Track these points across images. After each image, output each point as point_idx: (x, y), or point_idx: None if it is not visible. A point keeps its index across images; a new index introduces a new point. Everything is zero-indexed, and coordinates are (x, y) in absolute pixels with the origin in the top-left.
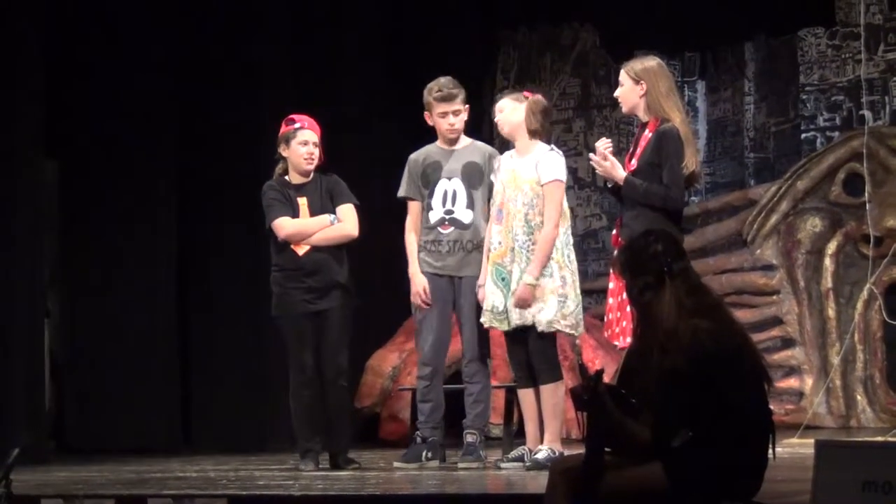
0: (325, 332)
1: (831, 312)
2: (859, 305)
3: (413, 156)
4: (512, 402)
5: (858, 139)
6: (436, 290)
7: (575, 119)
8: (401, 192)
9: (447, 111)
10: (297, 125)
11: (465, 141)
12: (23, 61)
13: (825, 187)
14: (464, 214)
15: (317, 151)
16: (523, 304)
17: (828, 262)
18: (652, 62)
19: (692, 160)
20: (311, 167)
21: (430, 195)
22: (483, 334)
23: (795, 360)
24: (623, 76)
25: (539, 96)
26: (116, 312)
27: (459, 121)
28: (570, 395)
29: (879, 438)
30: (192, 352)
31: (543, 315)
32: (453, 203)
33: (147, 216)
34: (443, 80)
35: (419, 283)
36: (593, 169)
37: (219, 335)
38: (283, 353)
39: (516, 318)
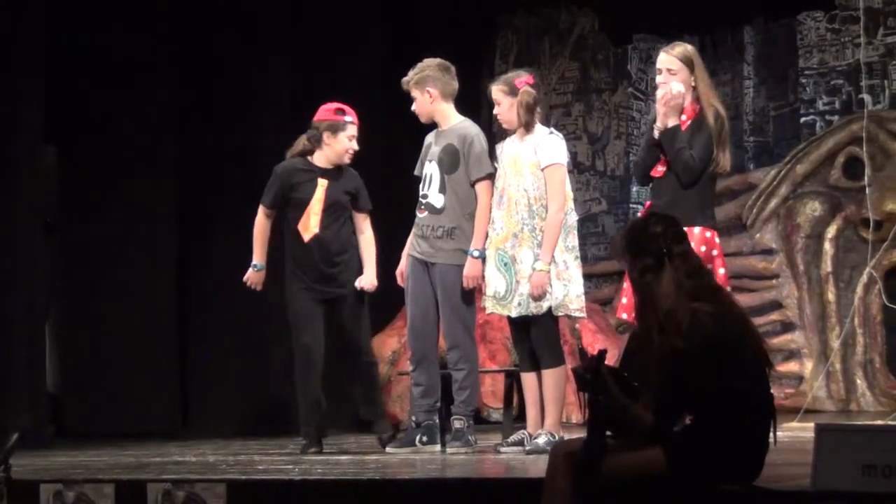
0: (343, 315)
1: (831, 296)
2: (859, 289)
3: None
4: (511, 386)
5: (858, 123)
6: (414, 274)
7: (574, 103)
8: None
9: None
10: (348, 118)
11: (452, 121)
12: (23, 43)
13: (825, 171)
14: (435, 199)
15: (357, 147)
16: (539, 291)
17: (827, 246)
18: (691, 48)
19: (722, 153)
20: (349, 162)
21: (421, 178)
22: (463, 320)
23: (795, 344)
24: (673, 62)
25: (528, 88)
26: (116, 297)
27: (416, 105)
28: (572, 376)
29: (879, 422)
30: (192, 336)
31: (552, 301)
32: (429, 187)
33: (147, 200)
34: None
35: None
36: (593, 154)
37: (218, 319)
38: (288, 337)
39: (533, 307)
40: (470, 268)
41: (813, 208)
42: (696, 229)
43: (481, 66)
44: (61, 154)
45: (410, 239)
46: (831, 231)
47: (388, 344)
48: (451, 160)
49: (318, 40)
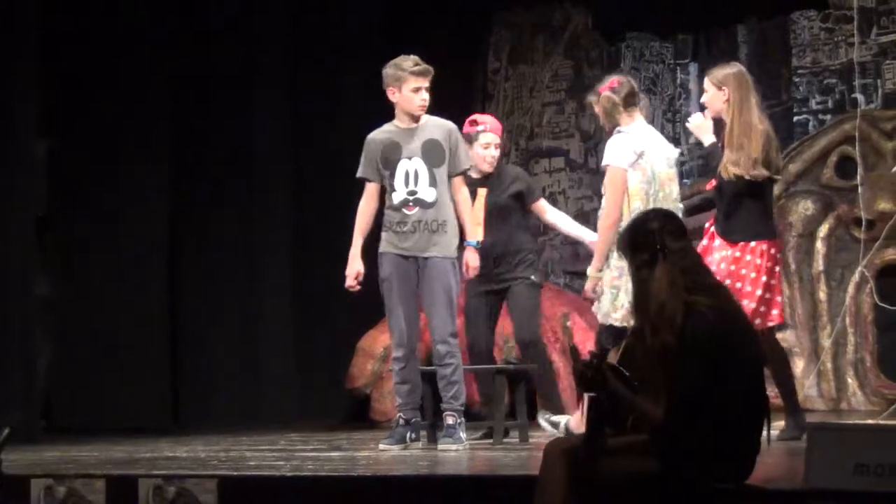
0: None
1: (822, 295)
2: (850, 288)
3: (371, 136)
4: (502, 384)
5: (851, 122)
6: (399, 271)
7: (567, 101)
8: (358, 173)
9: (421, 86)
10: (479, 127)
11: (423, 118)
12: (17, 36)
13: (817, 170)
14: (427, 193)
15: (497, 153)
16: (590, 297)
17: (819, 245)
18: (730, 70)
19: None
20: (491, 169)
21: (392, 176)
22: (454, 315)
23: (786, 342)
24: (706, 83)
25: (607, 93)
26: (108, 292)
27: (428, 97)
28: (572, 375)
29: (870, 421)
30: (183, 331)
31: (600, 308)
32: (416, 183)
33: (138, 195)
34: (413, 56)
35: (354, 267)
36: (585, 151)
37: (209, 314)
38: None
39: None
40: (472, 258)
41: (805, 207)
42: (752, 244)
43: (475, 63)
44: (53, 150)
45: (360, 239)
46: (823, 230)
47: (380, 340)
48: (437, 154)
49: (317, 38)
